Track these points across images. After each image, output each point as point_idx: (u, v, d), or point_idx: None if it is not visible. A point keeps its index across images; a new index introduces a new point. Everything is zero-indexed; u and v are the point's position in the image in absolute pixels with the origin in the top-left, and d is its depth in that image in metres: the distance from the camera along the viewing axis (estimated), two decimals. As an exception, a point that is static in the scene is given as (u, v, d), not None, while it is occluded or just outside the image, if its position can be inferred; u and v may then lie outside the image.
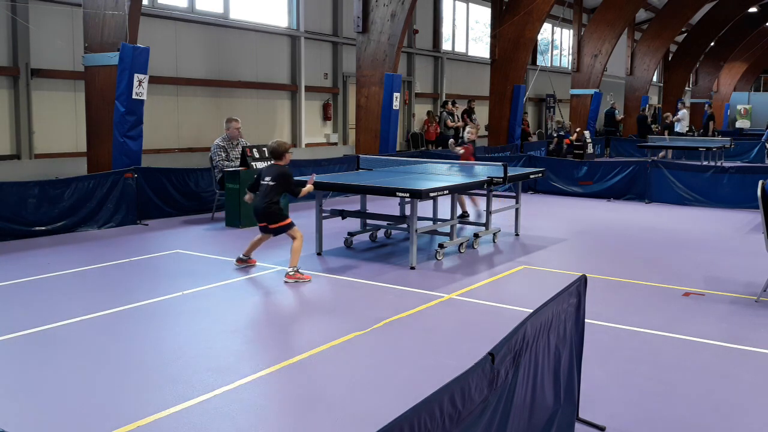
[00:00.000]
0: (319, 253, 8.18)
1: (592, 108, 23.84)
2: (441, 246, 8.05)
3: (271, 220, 7.02)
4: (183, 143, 15.09)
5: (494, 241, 9.06)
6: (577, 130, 20.11)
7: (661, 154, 20.21)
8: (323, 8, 18.70)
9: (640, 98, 28.35)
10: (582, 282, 3.66)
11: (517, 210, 9.67)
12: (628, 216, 11.55)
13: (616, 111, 26.80)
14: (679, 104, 26.86)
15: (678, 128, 25.18)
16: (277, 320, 5.77)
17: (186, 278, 6.98)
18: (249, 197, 7.40)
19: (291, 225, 7.07)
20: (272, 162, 7.32)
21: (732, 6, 29.53)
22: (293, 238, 7.01)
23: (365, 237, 9.11)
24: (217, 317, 5.76)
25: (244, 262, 7.41)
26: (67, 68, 12.74)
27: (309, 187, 7.31)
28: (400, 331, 5.44)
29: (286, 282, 6.82)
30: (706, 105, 28.78)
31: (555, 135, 20.36)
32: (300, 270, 6.96)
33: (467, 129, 11.20)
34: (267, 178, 7.07)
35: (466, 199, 10.38)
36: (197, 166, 11.65)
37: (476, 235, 8.76)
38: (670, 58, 33.47)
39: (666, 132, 24.59)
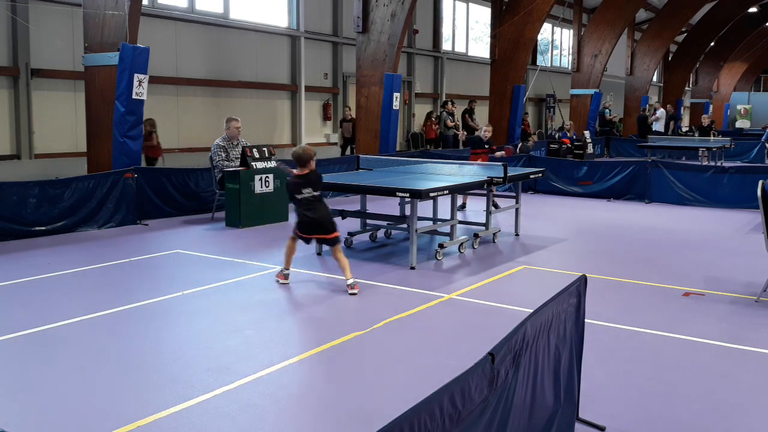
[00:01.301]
0: (319, 254, 8.18)
1: (592, 108, 23.84)
2: (441, 246, 8.05)
3: (327, 231, 6.68)
4: (183, 143, 15.10)
5: (494, 241, 9.06)
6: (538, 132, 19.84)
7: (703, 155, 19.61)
8: (323, 8, 18.71)
9: (640, 98, 28.35)
10: (582, 282, 3.65)
11: (517, 210, 9.67)
12: (628, 216, 11.55)
13: (607, 111, 26.77)
14: (656, 104, 26.78)
15: (656, 127, 25.17)
16: (277, 320, 5.77)
17: (186, 278, 6.98)
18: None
19: (339, 239, 6.76)
20: (299, 172, 6.70)
21: (732, 6, 29.54)
22: (339, 252, 6.68)
23: (365, 237, 9.11)
24: (217, 317, 5.77)
25: (286, 278, 6.89)
26: (67, 68, 12.75)
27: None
28: (400, 331, 5.44)
29: (352, 293, 6.43)
30: (668, 106, 28.25)
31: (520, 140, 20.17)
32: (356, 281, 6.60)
33: (485, 129, 11.91)
34: (306, 191, 6.60)
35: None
36: (197, 166, 11.65)
37: (476, 235, 8.76)
38: (670, 58, 33.49)
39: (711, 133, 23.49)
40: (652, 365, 4.78)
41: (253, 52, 16.69)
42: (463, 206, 11.66)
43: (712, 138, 21.08)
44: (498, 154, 12.22)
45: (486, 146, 11.84)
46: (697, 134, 23.76)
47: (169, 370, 4.58)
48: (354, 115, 16.64)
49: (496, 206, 10.62)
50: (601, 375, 4.56)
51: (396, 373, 4.59)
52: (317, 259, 7.96)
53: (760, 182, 6.39)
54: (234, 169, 10.09)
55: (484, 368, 2.46)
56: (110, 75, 10.16)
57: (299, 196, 6.66)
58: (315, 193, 6.64)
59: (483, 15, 25.14)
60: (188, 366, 4.67)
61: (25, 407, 4.03)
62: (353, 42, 16.27)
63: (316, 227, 6.72)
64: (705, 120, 24.37)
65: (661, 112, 25.54)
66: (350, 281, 6.53)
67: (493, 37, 19.98)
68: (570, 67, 25.90)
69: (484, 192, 9.08)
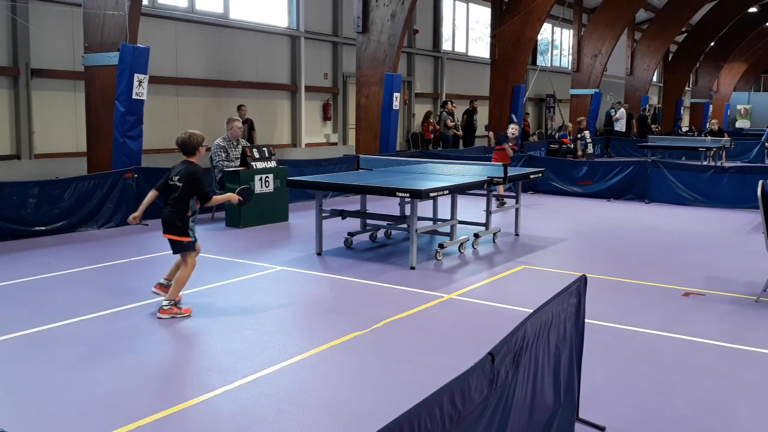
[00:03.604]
0: (319, 253, 8.18)
1: (592, 108, 23.83)
2: (441, 246, 8.05)
3: (169, 230, 5.81)
4: (183, 143, 15.07)
5: (494, 241, 9.06)
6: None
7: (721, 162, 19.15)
8: (323, 8, 18.71)
9: (640, 98, 28.33)
10: (582, 282, 3.65)
11: (517, 210, 9.68)
12: (628, 216, 11.55)
13: (618, 111, 26.69)
14: (616, 104, 26.61)
15: (617, 127, 25.07)
16: (276, 320, 5.77)
17: (186, 278, 6.97)
18: (151, 196, 5.97)
19: (190, 245, 5.86)
20: (183, 159, 5.98)
21: (732, 6, 29.53)
22: (185, 264, 5.86)
23: (365, 237, 9.11)
24: (217, 317, 5.76)
25: (164, 288, 6.00)
26: (67, 68, 12.75)
27: (231, 196, 6.04)
28: (400, 331, 5.44)
29: (159, 317, 5.67)
30: (618, 103, 27.42)
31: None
32: (180, 305, 5.83)
33: (512, 127, 12.65)
34: (175, 178, 5.82)
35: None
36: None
37: (476, 235, 8.76)
38: (670, 58, 33.48)
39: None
40: (652, 365, 4.78)
41: (253, 52, 16.68)
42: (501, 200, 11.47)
43: (723, 138, 20.77)
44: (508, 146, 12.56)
45: (509, 143, 12.44)
46: (709, 137, 23.31)
47: (169, 370, 4.58)
48: (248, 116, 15.37)
49: (502, 202, 10.80)
50: (601, 375, 4.56)
51: (396, 373, 4.59)
52: (317, 259, 7.96)
53: (760, 182, 6.39)
54: (234, 169, 10.09)
55: (484, 368, 2.46)
56: (110, 75, 10.16)
57: (170, 182, 5.88)
58: (179, 184, 5.76)
59: (483, 15, 25.13)
60: (188, 366, 4.67)
61: (25, 407, 4.03)
62: (353, 42, 16.27)
63: (162, 220, 5.86)
64: (715, 124, 24.12)
65: (621, 112, 25.36)
66: (165, 304, 5.73)
67: (493, 37, 19.98)
68: (570, 67, 25.89)
69: (484, 192, 9.08)
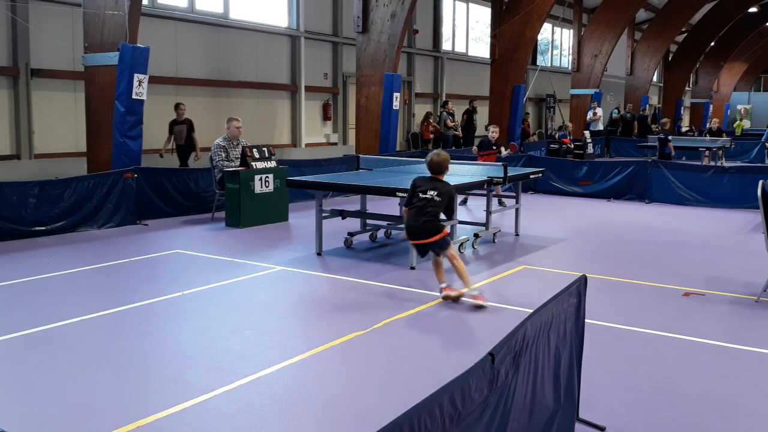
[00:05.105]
0: (319, 253, 8.18)
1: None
2: (441, 246, 8.04)
3: (428, 235, 6.22)
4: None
5: (494, 241, 9.06)
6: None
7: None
8: (323, 8, 18.71)
9: (641, 98, 28.34)
10: (582, 282, 3.65)
11: (517, 210, 9.67)
12: (628, 216, 11.55)
13: (615, 111, 26.66)
14: (593, 103, 26.60)
15: (592, 127, 24.96)
16: (276, 320, 5.77)
17: (186, 278, 6.97)
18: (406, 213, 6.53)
19: (446, 242, 6.26)
20: (432, 176, 6.43)
21: (732, 6, 29.54)
22: (450, 259, 6.21)
23: (365, 237, 9.11)
24: (217, 317, 5.76)
25: (450, 289, 6.28)
26: (67, 68, 12.75)
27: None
28: (400, 331, 5.43)
29: (479, 304, 6.03)
30: (629, 105, 26.88)
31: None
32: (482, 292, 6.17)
33: (492, 129, 12.37)
34: (432, 192, 6.27)
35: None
36: (197, 166, 11.65)
37: (476, 235, 8.76)
38: (670, 58, 33.49)
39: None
40: (652, 365, 4.77)
41: (253, 52, 16.68)
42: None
43: (721, 138, 20.75)
44: (504, 153, 12.38)
45: (494, 147, 12.16)
46: (707, 136, 23.34)
47: (169, 370, 4.58)
48: (186, 115, 13.51)
49: (501, 203, 10.83)
50: (601, 375, 4.56)
51: (396, 373, 4.59)
52: (317, 259, 7.96)
53: (761, 182, 6.39)
54: (234, 169, 10.09)
55: (484, 368, 2.46)
56: (110, 75, 10.16)
57: (422, 195, 6.33)
58: (438, 199, 6.28)
59: (483, 15, 25.14)
60: (188, 366, 4.66)
61: (25, 407, 4.03)
62: (353, 42, 16.27)
63: (418, 231, 6.33)
64: (715, 123, 24.18)
65: (600, 111, 25.21)
66: (474, 291, 6.11)
67: (493, 37, 19.98)
68: (570, 67, 25.89)
69: (485, 192, 9.08)
